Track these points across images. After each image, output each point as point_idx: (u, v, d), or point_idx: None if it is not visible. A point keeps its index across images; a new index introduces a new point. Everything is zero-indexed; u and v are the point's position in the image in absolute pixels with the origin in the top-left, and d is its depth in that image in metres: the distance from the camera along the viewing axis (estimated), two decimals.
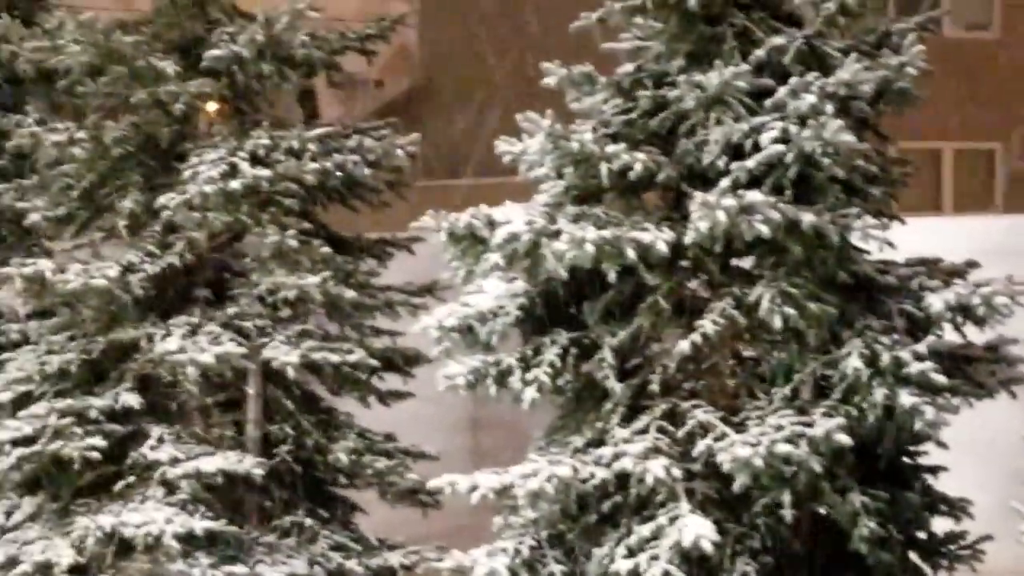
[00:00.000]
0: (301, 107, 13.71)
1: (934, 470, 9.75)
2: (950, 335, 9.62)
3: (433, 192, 11.45)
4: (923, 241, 10.13)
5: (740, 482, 9.05)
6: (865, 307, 9.51)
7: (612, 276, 9.46)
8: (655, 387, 9.59)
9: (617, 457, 9.36)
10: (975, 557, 9.70)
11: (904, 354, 9.19)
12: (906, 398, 9.07)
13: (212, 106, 12.60)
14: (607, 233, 9.35)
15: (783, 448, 8.94)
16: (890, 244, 9.70)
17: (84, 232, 12.31)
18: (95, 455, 11.46)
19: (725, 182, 9.35)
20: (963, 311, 9.49)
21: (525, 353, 9.80)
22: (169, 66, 11.92)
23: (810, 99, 9.28)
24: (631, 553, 9.30)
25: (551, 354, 9.72)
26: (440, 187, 13.16)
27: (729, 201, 9.16)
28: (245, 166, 11.52)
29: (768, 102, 9.47)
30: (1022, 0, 26.86)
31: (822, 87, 9.32)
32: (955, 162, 26.33)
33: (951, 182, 26.09)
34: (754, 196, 9.17)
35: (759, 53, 9.64)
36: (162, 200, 11.79)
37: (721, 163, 9.49)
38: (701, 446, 9.22)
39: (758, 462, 8.93)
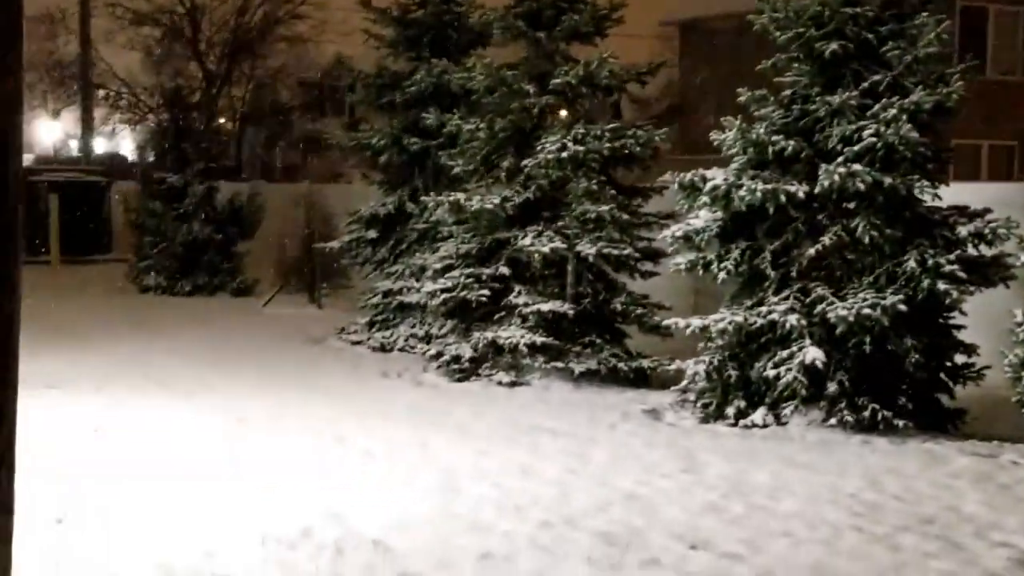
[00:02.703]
0: (613, 114, 13.55)
1: (958, 327, 9.36)
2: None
3: (682, 163, 11.24)
4: (959, 196, 9.72)
5: (840, 329, 8.89)
6: (920, 233, 9.16)
7: (771, 210, 9.35)
8: (794, 274, 9.39)
9: (770, 312, 9.25)
10: (979, 378, 9.34)
11: (941, 260, 8.88)
12: (942, 285, 8.78)
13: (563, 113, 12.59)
14: (769, 186, 9.19)
15: (866, 311, 8.74)
16: (938, 196, 9.36)
17: (482, 179, 12.44)
18: (484, 299, 11.73)
19: (840, 158, 9.12)
20: (979, 237, 9.13)
21: (720, 252, 9.68)
22: (531, 88, 11.97)
23: (893, 111, 8.96)
24: (776, 366, 9.22)
25: (735, 254, 9.58)
26: (686, 160, 13.05)
27: (841, 169, 8.94)
28: (570, 144, 11.53)
29: (868, 113, 9.18)
30: None
31: (900, 105, 8.98)
32: (989, 152, 25.09)
33: (987, 164, 24.92)
34: (856, 167, 8.93)
35: (864, 85, 9.32)
36: (525, 162, 11.90)
37: (839, 147, 9.24)
38: (819, 308, 9.07)
39: (851, 318, 8.77)
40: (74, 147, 38.38)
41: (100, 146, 43.20)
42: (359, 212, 14.91)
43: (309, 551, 5.54)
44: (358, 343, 13.87)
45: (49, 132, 43.47)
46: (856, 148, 9.04)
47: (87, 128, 30.67)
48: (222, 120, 38.48)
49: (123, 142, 42.14)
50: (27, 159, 35.75)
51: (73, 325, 14.13)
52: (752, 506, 6.71)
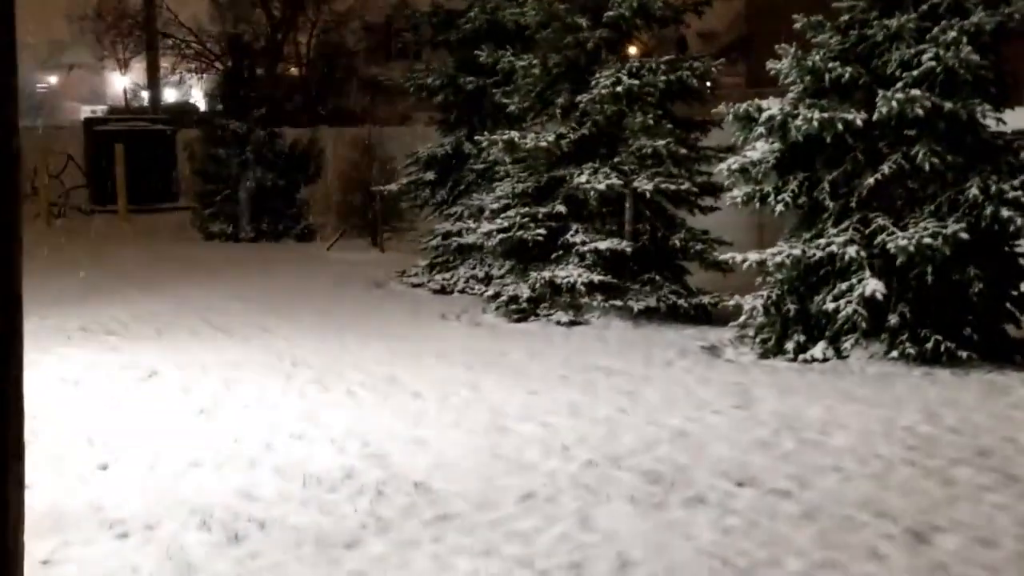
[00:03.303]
0: (678, 48, 13.33)
1: None
2: None
3: (751, 94, 10.98)
4: None
5: (900, 260, 8.68)
6: (983, 159, 8.90)
7: (828, 140, 9.11)
8: (853, 204, 9.18)
9: (829, 244, 9.07)
10: None
11: (1005, 186, 8.62)
12: (1005, 212, 8.54)
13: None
14: (826, 114, 8.97)
15: (927, 240, 8.52)
16: (1002, 121, 9.07)
17: (537, 117, 12.32)
18: (540, 239, 11.64)
19: (899, 84, 8.85)
20: None
21: (778, 184, 9.50)
22: (584, 21, 11.75)
23: (952, 34, 8.66)
24: (835, 299, 9.05)
25: (793, 185, 9.40)
26: (755, 92, 12.76)
27: (900, 95, 8.68)
28: (625, 78, 11.36)
29: (927, 36, 8.89)
30: None
31: (960, 26, 8.68)
32: None
33: None
34: (915, 92, 8.66)
35: (923, 7, 9.02)
36: (580, 98, 11.75)
37: (897, 72, 8.96)
38: (879, 239, 8.87)
39: (911, 248, 8.56)
40: (145, 97, 38.79)
41: (171, 96, 43.61)
42: (417, 154, 14.88)
43: (349, 493, 5.56)
44: (418, 286, 13.88)
45: (120, 83, 44.03)
46: (915, 73, 8.78)
47: (153, 77, 30.94)
48: (289, 66, 38.51)
49: (194, 91, 42.50)
50: (98, 110, 36.22)
51: (137, 273, 14.33)
52: (803, 441, 6.61)
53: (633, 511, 5.40)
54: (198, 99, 41.23)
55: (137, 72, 41.26)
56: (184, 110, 34.02)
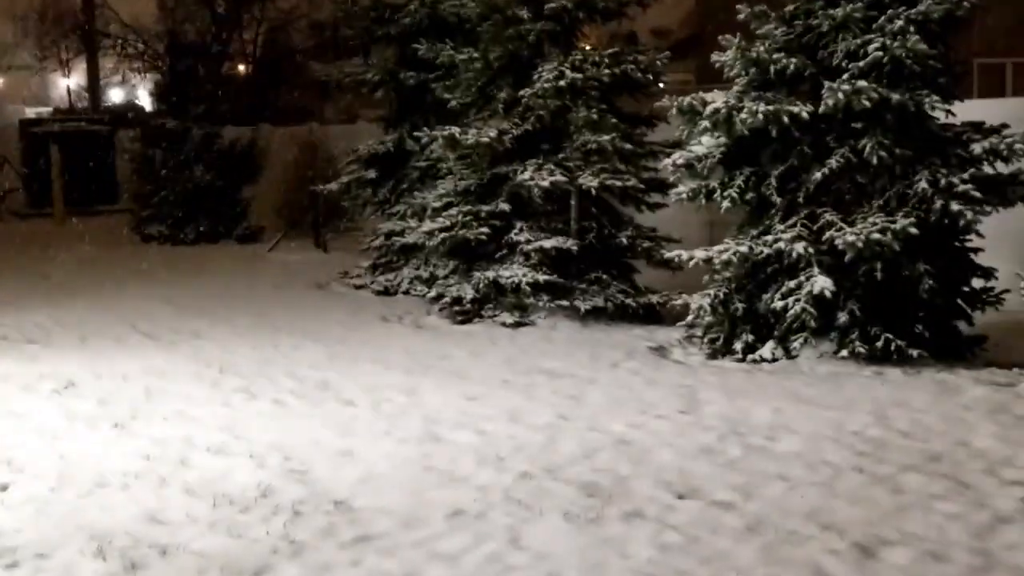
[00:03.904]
0: (627, 44, 13.05)
1: (974, 250, 8.91)
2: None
3: (701, 90, 10.70)
4: (976, 113, 9.23)
5: (849, 256, 8.45)
6: (932, 151, 8.68)
7: (775, 133, 8.86)
8: (801, 200, 8.94)
9: (776, 241, 8.81)
10: (998, 302, 8.89)
11: (955, 179, 8.41)
12: (955, 206, 8.32)
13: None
14: (772, 107, 8.71)
15: (876, 236, 8.27)
16: (951, 113, 8.88)
17: (479, 112, 12.01)
18: (484, 237, 11.32)
19: (845, 75, 8.61)
20: (994, 154, 8.62)
21: (724, 180, 9.24)
22: (525, 13, 11.44)
23: (899, 23, 8.44)
24: (784, 297, 8.81)
25: (739, 180, 9.14)
26: (705, 88, 12.49)
27: (846, 86, 8.44)
28: (568, 71, 11.07)
29: (874, 25, 8.65)
30: None
31: (907, 15, 8.45)
32: (1014, 71, 24.13)
33: (1011, 83, 23.91)
34: (862, 83, 8.43)
35: None
36: (522, 92, 11.45)
37: (844, 63, 8.73)
38: (827, 235, 8.62)
39: (860, 244, 8.31)
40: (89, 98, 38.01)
41: (117, 96, 42.80)
42: (357, 151, 14.50)
43: (264, 514, 5.21)
44: (361, 287, 13.52)
45: (64, 84, 43.21)
46: (861, 64, 8.54)
47: (93, 77, 30.30)
48: (235, 65, 37.88)
49: (139, 91, 41.79)
50: (42, 112, 35.44)
51: (68, 278, 13.86)
52: (749, 447, 6.34)
53: (567, 527, 5.10)
54: (144, 99, 40.54)
55: (81, 73, 40.49)
56: (130, 110, 33.35)
